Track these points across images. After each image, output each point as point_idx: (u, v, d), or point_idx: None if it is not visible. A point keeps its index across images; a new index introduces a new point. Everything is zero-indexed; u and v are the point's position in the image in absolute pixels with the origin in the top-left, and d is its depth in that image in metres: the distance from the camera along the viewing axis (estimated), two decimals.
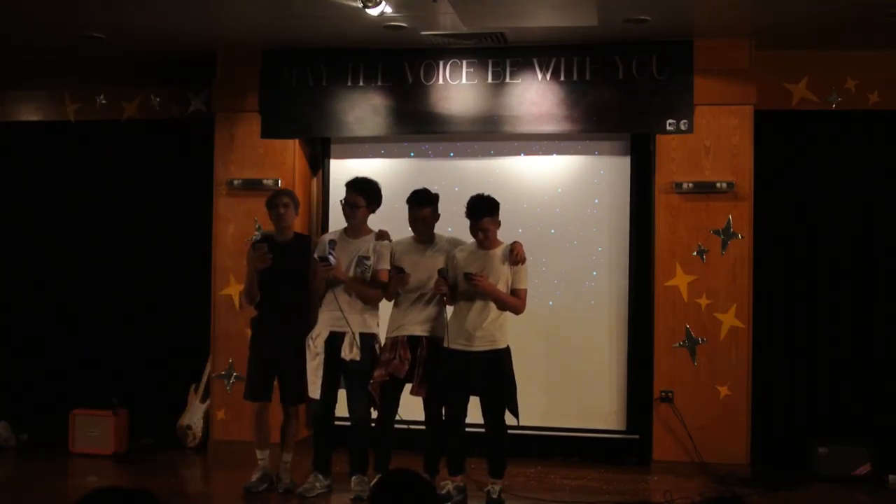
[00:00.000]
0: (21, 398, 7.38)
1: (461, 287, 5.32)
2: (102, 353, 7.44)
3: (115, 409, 6.83)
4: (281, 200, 5.64)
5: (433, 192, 5.58)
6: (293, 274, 5.56)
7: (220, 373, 6.86)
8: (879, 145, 6.59)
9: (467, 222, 5.41)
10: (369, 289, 5.51)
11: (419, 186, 5.69)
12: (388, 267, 5.53)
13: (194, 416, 7.00)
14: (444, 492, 5.39)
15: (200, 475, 6.67)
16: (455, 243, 5.56)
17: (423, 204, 5.50)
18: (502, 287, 5.30)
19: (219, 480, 5.84)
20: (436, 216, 5.56)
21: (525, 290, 5.37)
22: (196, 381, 7.07)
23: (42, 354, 7.56)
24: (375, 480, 2.53)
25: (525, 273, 5.37)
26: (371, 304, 5.56)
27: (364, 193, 5.57)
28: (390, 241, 5.63)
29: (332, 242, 5.50)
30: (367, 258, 5.52)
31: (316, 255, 5.47)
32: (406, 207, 5.55)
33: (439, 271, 5.33)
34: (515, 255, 5.30)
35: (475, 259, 5.35)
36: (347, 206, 5.57)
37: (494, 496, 5.35)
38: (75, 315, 7.52)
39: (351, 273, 5.50)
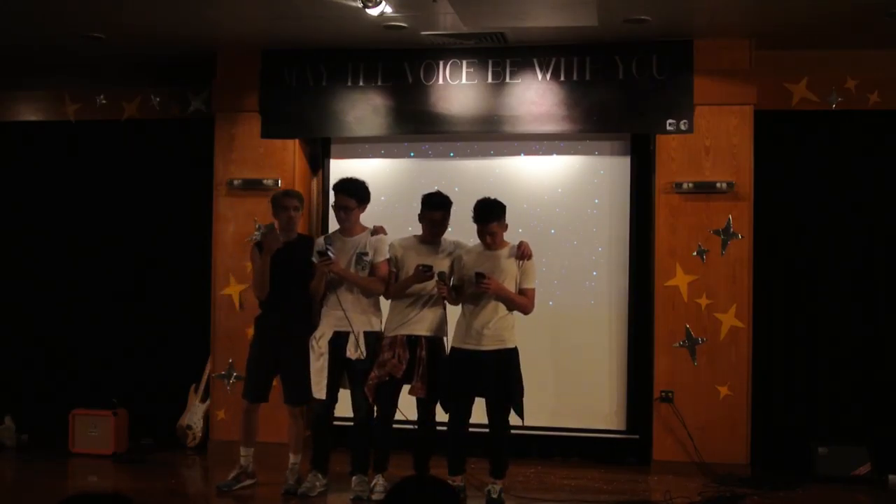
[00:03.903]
0: (21, 398, 7.38)
1: (468, 288, 5.34)
2: (102, 353, 7.44)
3: (115, 409, 6.83)
4: (291, 203, 5.65)
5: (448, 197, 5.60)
6: (296, 273, 5.57)
7: (220, 373, 6.85)
8: (879, 145, 6.59)
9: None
10: (370, 280, 5.53)
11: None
12: (387, 257, 5.56)
13: (194, 416, 7.00)
14: None
15: (200, 475, 6.67)
16: (458, 245, 5.59)
17: (438, 207, 5.51)
18: (511, 285, 5.34)
19: (218, 481, 5.83)
20: (446, 221, 5.56)
21: (533, 290, 5.42)
22: (196, 381, 7.07)
23: (42, 354, 7.56)
24: (393, 485, 2.30)
25: (533, 272, 5.42)
26: (374, 300, 5.58)
27: (354, 195, 5.59)
28: (385, 234, 5.66)
29: (329, 238, 5.61)
30: (366, 254, 5.55)
31: (315, 253, 5.49)
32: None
33: (439, 274, 5.35)
34: (522, 251, 5.36)
35: (482, 260, 5.37)
36: (340, 209, 5.60)
37: (494, 496, 5.36)
38: (75, 315, 7.52)
39: (352, 270, 5.52)
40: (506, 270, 5.35)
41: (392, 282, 5.57)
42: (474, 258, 5.42)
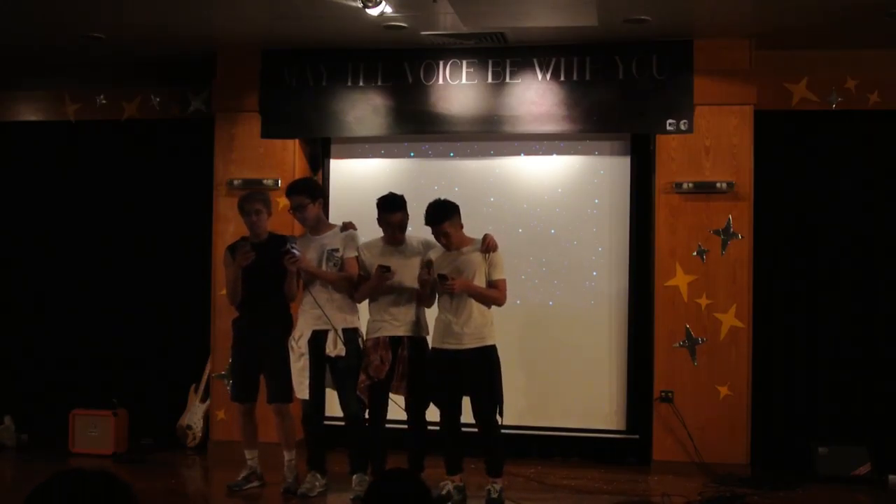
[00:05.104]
0: (21, 398, 7.38)
1: (438, 290, 5.35)
2: (102, 353, 7.44)
3: (115, 409, 6.84)
4: (253, 208, 5.64)
5: (399, 194, 5.60)
6: (270, 273, 5.56)
7: (220, 373, 6.85)
8: (879, 145, 6.59)
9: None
10: (340, 276, 5.54)
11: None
12: (356, 254, 5.57)
13: (194, 416, 7.00)
14: (443, 492, 5.40)
15: (200, 475, 6.67)
16: (428, 245, 5.57)
17: (394, 209, 5.51)
18: (480, 280, 5.34)
19: (218, 480, 5.84)
20: (406, 220, 5.56)
21: (503, 281, 5.40)
22: (196, 381, 7.07)
23: (42, 354, 7.55)
24: (369, 483, 2.46)
25: (501, 263, 5.40)
26: (348, 296, 5.58)
27: (304, 192, 5.61)
28: (355, 229, 5.67)
29: (293, 238, 5.62)
30: (336, 249, 5.58)
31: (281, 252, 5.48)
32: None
33: (426, 262, 5.36)
34: (487, 244, 5.35)
35: (449, 260, 5.39)
36: (296, 211, 5.62)
37: (494, 496, 5.35)
38: (75, 315, 7.52)
39: (324, 268, 5.53)
40: (472, 266, 5.33)
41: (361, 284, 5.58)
42: (441, 259, 5.42)
